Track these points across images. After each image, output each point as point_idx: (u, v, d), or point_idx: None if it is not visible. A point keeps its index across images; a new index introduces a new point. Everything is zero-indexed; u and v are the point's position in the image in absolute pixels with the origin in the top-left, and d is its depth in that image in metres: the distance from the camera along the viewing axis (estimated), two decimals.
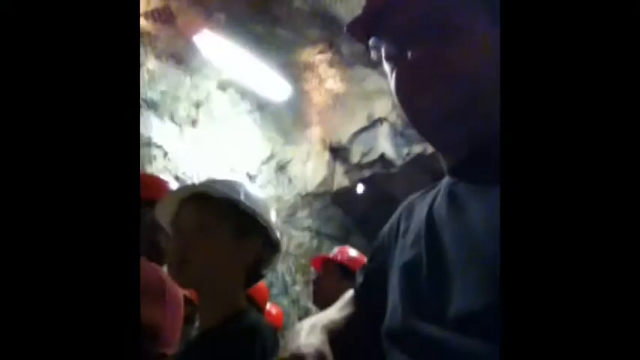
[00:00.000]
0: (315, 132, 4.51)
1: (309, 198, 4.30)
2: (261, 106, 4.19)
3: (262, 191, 4.05)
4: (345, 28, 0.58)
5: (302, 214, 4.24)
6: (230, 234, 0.79)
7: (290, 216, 4.14)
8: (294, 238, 4.12)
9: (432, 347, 0.46)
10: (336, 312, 0.65)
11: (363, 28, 0.56)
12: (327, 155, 4.49)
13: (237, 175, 3.93)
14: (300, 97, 4.29)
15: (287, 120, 4.37)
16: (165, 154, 3.49)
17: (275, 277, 3.88)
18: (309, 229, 4.22)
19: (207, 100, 3.85)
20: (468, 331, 0.43)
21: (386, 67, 0.56)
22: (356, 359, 0.58)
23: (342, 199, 4.32)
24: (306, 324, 0.60)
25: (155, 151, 3.43)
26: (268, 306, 2.69)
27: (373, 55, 0.57)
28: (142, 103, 3.40)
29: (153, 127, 3.46)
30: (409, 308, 0.51)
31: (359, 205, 4.26)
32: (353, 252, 1.81)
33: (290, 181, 4.27)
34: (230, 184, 0.82)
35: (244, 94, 4.05)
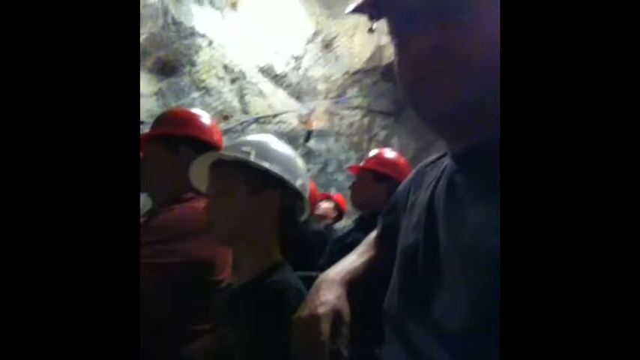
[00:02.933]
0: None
1: (358, 75, 4.20)
2: None
3: (309, 72, 3.99)
4: (346, 11, 0.54)
5: (352, 92, 4.18)
6: (246, 192, 0.81)
7: (340, 96, 4.11)
8: (346, 117, 4.15)
9: (413, 351, 0.48)
10: (357, 256, 0.69)
11: (365, 13, 0.53)
12: (375, 26, 4.22)
13: (283, 59, 3.85)
14: None
15: None
16: (210, 42, 3.45)
17: (330, 156, 4.04)
18: (359, 107, 4.20)
19: None
20: (445, 344, 0.44)
21: (392, 46, 0.53)
22: (377, 301, 0.58)
23: (392, 72, 4.17)
24: (328, 278, 0.63)
25: (200, 41, 3.40)
26: (333, 193, 2.88)
27: (376, 37, 0.53)
28: None
29: (194, 16, 3.38)
30: (404, 302, 0.53)
31: None
32: (389, 154, 1.83)
33: (337, 58, 4.14)
34: (245, 144, 0.84)
35: None
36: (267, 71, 3.81)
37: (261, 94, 3.73)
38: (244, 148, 0.83)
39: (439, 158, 0.62)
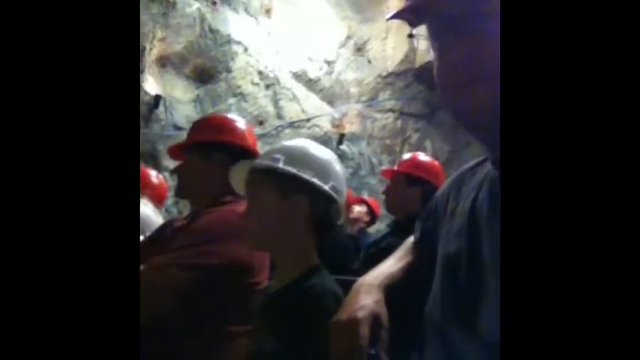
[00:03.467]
0: (393, 4, 4.18)
1: (390, 78, 4.18)
2: None
3: (342, 76, 4.00)
4: (386, 18, 0.56)
5: (384, 95, 4.17)
6: (276, 198, 0.83)
7: (372, 99, 4.11)
8: (378, 120, 4.14)
9: (455, 358, 0.48)
10: (396, 261, 0.69)
11: (406, 19, 0.54)
12: (407, 28, 4.20)
13: (316, 64, 3.89)
14: None
15: None
16: (246, 49, 3.53)
17: (362, 160, 4.04)
18: (392, 110, 4.18)
19: None
20: (487, 352, 0.45)
21: (431, 51, 0.54)
22: (416, 306, 0.59)
23: (425, 74, 4.13)
24: (366, 282, 0.63)
25: (235, 47, 3.48)
26: (365, 197, 2.89)
27: (415, 42, 0.55)
28: None
29: (230, 23, 3.47)
30: (447, 309, 0.53)
31: None
32: (422, 157, 1.83)
33: (369, 62, 4.14)
34: (278, 150, 0.86)
35: None
36: (300, 76, 3.85)
37: (294, 98, 3.78)
38: (276, 155, 0.85)
39: (479, 164, 0.61)
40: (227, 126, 1.18)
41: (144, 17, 2.99)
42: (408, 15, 0.54)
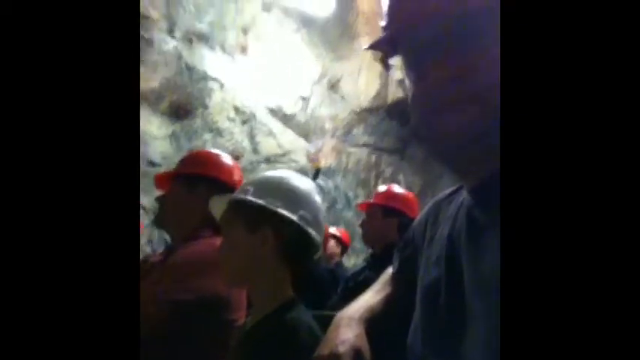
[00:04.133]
0: (365, 43, 4.36)
1: (363, 114, 4.30)
2: (307, 23, 4.08)
3: (316, 112, 4.09)
4: (363, 48, 0.57)
5: (358, 130, 4.27)
6: (245, 233, 0.82)
7: (346, 134, 4.20)
8: (352, 154, 4.22)
9: None
10: (374, 294, 0.68)
11: (382, 50, 0.56)
12: (379, 66, 4.36)
13: (291, 100, 3.97)
14: (346, 7, 4.10)
15: (334, 33, 4.24)
16: (222, 85, 3.58)
17: (338, 194, 4.07)
18: (365, 145, 4.28)
19: (254, 23, 3.80)
20: None
21: (407, 80, 0.54)
22: (397, 336, 0.58)
23: (397, 110, 4.27)
24: (346, 316, 0.62)
25: (211, 84, 3.53)
26: (334, 230, 2.91)
27: (391, 71, 0.57)
28: (192, 37, 3.44)
29: (206, 60, 3.53)
30: (428, 338, 0.53)
31: None
32: (397, 189, 1.87)
33: (343, 98, 4.26)
34: (249, 183, 0.86)
35: (288, 12, 3.94)
36: (276, 112, 3.92)
37: (270, 133, 3.83)
38: (247, 187, 0.84)
39: (455, 192, 0.61)
40: (212, 160, 1.20)
41: None
42: (384, 46, 0.55)
